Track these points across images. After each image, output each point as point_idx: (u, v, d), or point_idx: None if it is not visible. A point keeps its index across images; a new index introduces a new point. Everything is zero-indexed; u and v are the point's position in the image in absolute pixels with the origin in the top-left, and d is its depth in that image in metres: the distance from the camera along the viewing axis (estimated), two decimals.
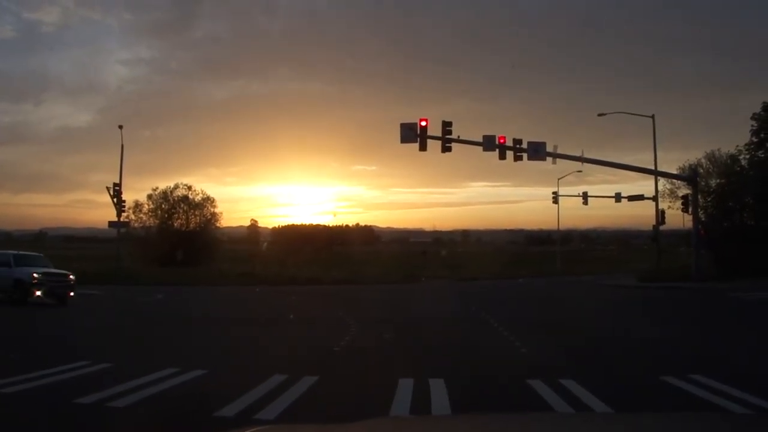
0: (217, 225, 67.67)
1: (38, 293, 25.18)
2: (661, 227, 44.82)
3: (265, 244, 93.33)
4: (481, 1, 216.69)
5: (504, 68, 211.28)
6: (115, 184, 42.45)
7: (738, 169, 40.28)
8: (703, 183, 40.09)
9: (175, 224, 64.01)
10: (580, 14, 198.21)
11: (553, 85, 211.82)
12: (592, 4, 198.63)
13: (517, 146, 34.51)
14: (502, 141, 34.26)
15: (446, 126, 33.32)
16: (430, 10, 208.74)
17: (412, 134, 32.88)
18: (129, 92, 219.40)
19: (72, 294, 26.63)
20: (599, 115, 46.29)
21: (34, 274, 25.25)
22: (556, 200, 59.05)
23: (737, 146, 40.99)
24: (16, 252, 28.10)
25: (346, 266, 58.20)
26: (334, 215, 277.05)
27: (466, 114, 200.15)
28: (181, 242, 56.35)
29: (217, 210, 66.07)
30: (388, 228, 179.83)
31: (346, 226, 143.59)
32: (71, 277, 27.11)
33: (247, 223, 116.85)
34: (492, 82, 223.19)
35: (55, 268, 27.77)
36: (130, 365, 11.52)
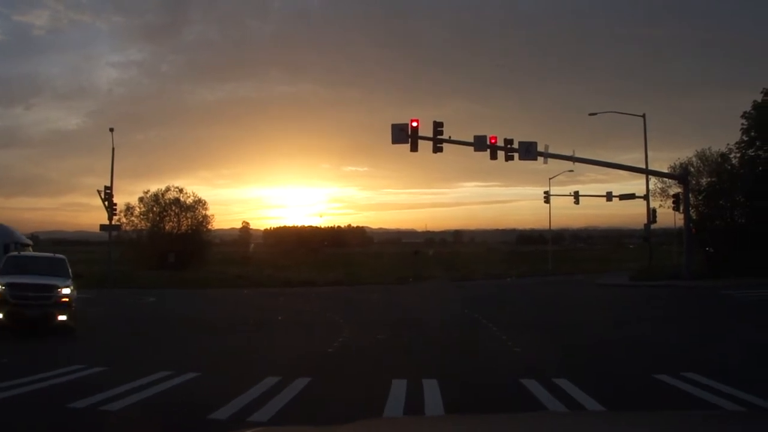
0: (209, 227, 67.43)
1: None
2: (653, 226, 44.99)
3: (252, 245, 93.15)
4: (474, 3, 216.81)
5: (496, 69, 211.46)
6: (106, 188, 42.20)
7: (729, 167, 40.35)
8: (693, 182, 40.20)
9: (167, 227, 63.75)
10: (571, 15, 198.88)
11: (545, 86, 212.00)
12: (583, 5, 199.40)
13: (509, 146, 34.52)
14: (493, 141, 34.27)
15: (437, 126, 33.29)
16: (423, 12, 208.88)
17: (403, 135, 32.83)
18: (120, 95, 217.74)
19: (62, 318, 16.89)
20: (590, 114, 46.51)
21: None
22: (547, 200, 59.04)
23: (728, 145, 41.09)
24: (16, 253, 20.35)
25: (339, 268, 58.15)
26: (321, 216, 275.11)
27: (457, 115, 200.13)
28: (172, 245, 56.19)
29: (208, 212, 65.81)
30: (380, 229, 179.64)
31: (338, 227, 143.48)
32: (63, 291, 17.08)
33: (239, 225, 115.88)
34: (484, 83, 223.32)
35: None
36: (124, 369, 11.47)
